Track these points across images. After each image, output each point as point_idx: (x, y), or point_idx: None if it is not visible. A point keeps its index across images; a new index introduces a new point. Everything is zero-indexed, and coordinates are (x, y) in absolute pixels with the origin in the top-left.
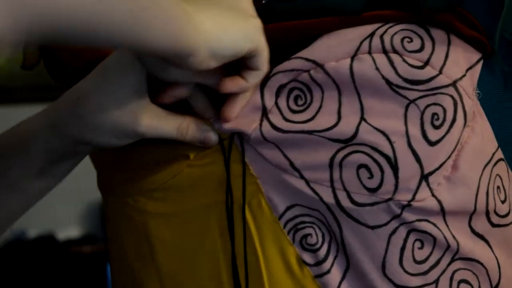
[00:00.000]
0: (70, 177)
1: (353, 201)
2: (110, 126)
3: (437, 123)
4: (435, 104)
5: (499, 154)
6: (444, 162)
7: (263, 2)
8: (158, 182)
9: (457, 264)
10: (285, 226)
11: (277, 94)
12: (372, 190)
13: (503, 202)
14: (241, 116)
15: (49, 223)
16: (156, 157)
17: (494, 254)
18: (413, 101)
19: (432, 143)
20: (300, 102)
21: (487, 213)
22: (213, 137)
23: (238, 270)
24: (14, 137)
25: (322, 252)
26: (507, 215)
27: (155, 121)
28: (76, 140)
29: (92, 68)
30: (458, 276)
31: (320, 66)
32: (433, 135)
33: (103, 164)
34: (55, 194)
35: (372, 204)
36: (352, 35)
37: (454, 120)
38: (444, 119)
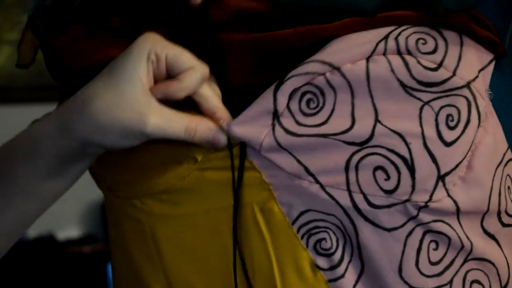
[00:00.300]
0: None
1: (370, 204)
2: (117, 127)
3: (452, 124)
4: (449, 105)
5: (509, 155)
6: (459, 163)
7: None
8: (166, 184)
9: (470, 265)
10: (298, 231)
11: (290, 98)
12: (389, 192)
13: None
14: (253, 120)
15: (49, 223)
16: (163, 158)
17: (504, 254)
18: (427, 102)
19: (447, 144)
20: (312, 105)
21: (499, 213)
22: (222, 138)
23: (248, 275)
24: (22, 141)
25: (337, 256)
26: None
27: (163, 122)
28: (84, 141)
29: (94, 69)
30: (470, 277)
31: (337, 68)
32: (449, 135)
33: (105, 166)
34: None
35: (389, 206)
36: (366, 38)
37: (468, 120)
38: (459, 120)
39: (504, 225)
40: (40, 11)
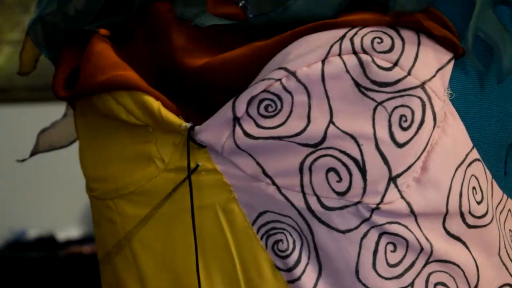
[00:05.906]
0: (70, 177)
1: (323, 205)
2: None
3: (405, 124)
4: (402, 106)
5: (475, 155)
6: (412, 164)
7: (242, 9)
8: (135, 186)
9: (432, 267)
10: (258, 231)
11: (248, 105)
12: (341, 194)
13: (479, 203)
14: (215, 127)
15: (49, 223)
16: (132, 159)
17: (472, 256)
18: (380, 103)
19: (400, 145)
20: (270, 109)
21: (462, 214)
22: None
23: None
24: None
25: (293, 258)
26: (484, 215)
27: None
28: None
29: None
30: (434, 279)
31: (292, 73)
32: (401, 137)
33: (87, 165)
34: (55, 194)
35: (341, 208)
36: (322, 40)
37: (422, 121)
38: (412, 121)
39: (469, 226)
40: (39, 20)
